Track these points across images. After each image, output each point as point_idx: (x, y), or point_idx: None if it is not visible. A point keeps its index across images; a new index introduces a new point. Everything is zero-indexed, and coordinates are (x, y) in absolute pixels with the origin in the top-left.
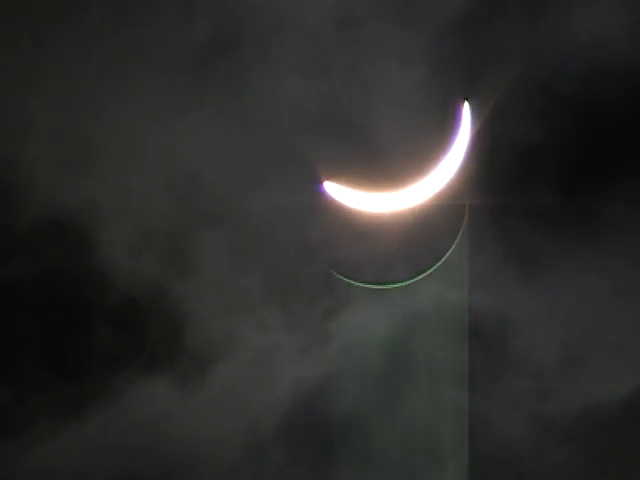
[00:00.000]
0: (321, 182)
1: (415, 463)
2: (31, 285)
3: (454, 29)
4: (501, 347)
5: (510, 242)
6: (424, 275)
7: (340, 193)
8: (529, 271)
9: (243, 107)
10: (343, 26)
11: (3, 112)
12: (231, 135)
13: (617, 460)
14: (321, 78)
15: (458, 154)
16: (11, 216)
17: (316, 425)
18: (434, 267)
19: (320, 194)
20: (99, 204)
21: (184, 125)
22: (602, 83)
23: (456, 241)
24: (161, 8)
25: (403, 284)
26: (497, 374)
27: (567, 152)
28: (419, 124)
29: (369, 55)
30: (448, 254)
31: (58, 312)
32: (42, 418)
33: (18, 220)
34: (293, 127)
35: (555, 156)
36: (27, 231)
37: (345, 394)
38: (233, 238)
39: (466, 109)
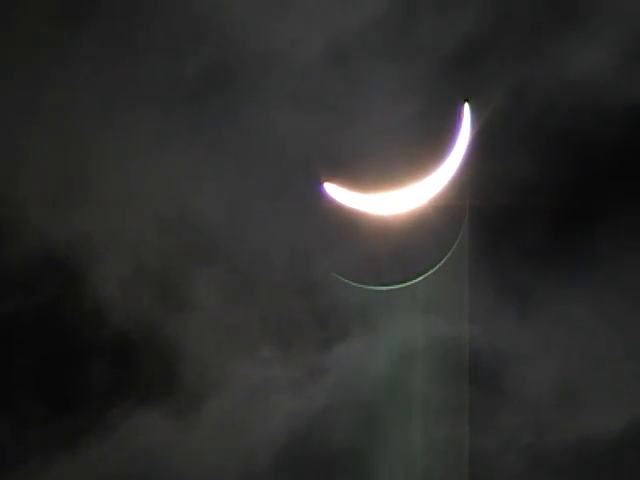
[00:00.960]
0: (321, 183)
1: None
2: (26, 320)
3: (447, 64)
4: (497, 381)
5: (505, 278)
6: (423, 276)
7: (340, 194)
8: (524, 307)
9: (235, 143)
10: (334, 62)
11: None
12: (224, 171)
13: None
14: (313, 110)
15: (458, 156)
16: (5, 251)
17: (312, 458)
18: (433, 269)
19: (317, 200)
20: (93, 240)
21: (177, 161)
22: (595, 122)
23: (456, 242)
24: (155, 46)
25: (403, 285)
26: (493, 408)
27: (560, 189)
28: (418, 127)
29: (362, 85)
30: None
31: (54, 346)
32: (39, 450)
33: (12, 255)
34: (286, 159)
35: (548, 193)
36: (22, 266)
37: (341, 427)
38: (227, 273)
39: (466, 111)
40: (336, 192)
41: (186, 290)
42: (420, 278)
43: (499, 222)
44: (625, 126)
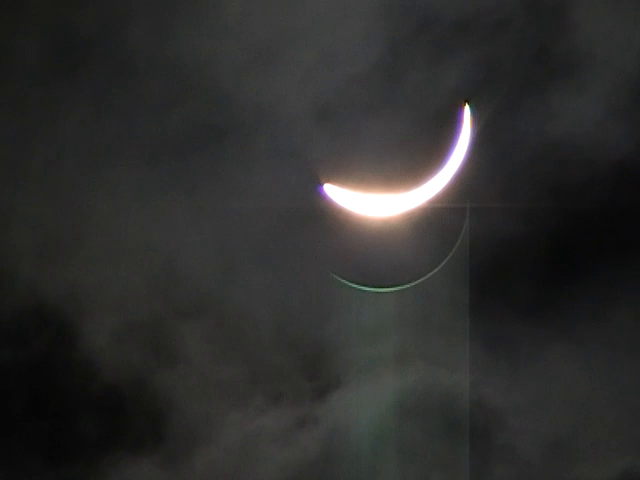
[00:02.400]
0: (321, 184)
1: None
2: (18, 372)
3: (434, 119)
4: (488, 435)
5: (494, 332)
6: (424, 279)
7: (340, 196)
8: (513, 360)
9: (222, 198)
10: (320, 118)
11: None
12: (212, 225)
13: None
14: (297, 169)
15: (458, 158)
16: None
17: None
18: (433, 272)
19: (319, 199)
20: (83, 294)
21: (166, 216)
22: (582, 177)
23: (456, 244)
24: (142, 103)
25: (403, 288)
26: (485, 461)
27: (548, 244)
28: (419, 129)
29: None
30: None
31: (46, 398)
32: None
33: (3, 309)
34: (272, 214)
35: (536, 248)
36: (12, 320)
37: (334, 478)
38: (217, 325)
39: (467, 113)
40: (336, 194)
41: (176, 343)
42: (420, 281)
43: (486, 276)
44: (613, 182)
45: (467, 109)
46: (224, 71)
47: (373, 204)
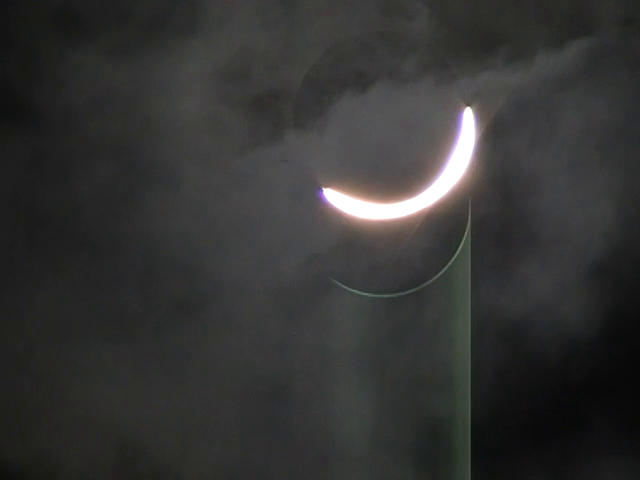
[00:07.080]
0: (321, 189)
1: None
2: None
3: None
4: None
5: None
6: (426, 284)
7: (340, 201)
8: None
9: (188, 373)
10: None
11: None
12: (180, 400)
13: None
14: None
15: (460, 162)
16: None
17: None
18: (435, 277)
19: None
20: (45, 463)
21: (131, 389)
22: (538, 355)
23: (458, 250)
24: (106, 279)
25: (403, 293)
26: None
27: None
28: (420, 133)
29: None
30: None
31: None
32: None
33: None
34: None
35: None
36: None
37: None
38: None
39: (468, 117)
40: (337, 199)
41: None
42: (421, 286)
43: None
44: (568, 360)
45: (468, 112)
46: (187, 246)
47: (374, 210)
